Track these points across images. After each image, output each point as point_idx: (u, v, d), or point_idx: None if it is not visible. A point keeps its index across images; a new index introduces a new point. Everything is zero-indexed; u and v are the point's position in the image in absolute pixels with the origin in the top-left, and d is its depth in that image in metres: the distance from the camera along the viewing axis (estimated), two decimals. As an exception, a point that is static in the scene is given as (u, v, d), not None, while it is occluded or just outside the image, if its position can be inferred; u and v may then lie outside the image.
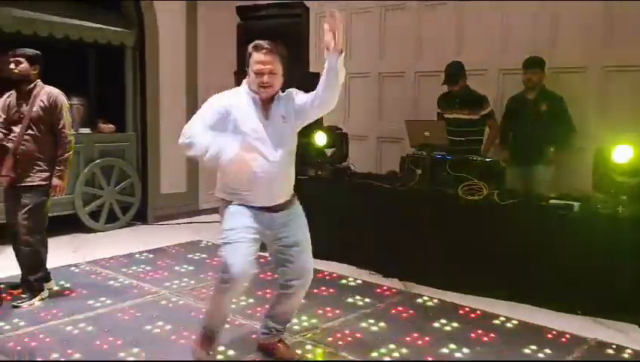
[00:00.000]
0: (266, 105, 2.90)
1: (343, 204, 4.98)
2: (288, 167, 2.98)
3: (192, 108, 6.94)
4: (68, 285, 4.28)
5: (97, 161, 6.07)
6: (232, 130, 2.85)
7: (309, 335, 3.49)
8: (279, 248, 2.98)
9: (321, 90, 2.81)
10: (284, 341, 3.22)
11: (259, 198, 2.89)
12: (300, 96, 2.92)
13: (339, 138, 5.40)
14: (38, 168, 3.87)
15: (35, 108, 3.86)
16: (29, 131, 3.85)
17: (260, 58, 2.81)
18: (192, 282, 4.46)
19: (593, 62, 5.16)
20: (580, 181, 4.78)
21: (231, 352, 3.23)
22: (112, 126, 6.31)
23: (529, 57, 4.99)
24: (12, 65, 3.88)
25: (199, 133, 2.83)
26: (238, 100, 2.90)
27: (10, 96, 3.96)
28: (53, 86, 4.01)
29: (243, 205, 2.90)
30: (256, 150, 2.84)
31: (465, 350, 3.31)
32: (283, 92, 2.96)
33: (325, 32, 2.67)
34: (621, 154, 3.87)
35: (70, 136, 3.96)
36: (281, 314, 3.16)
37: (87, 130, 6.09)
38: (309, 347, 3.33)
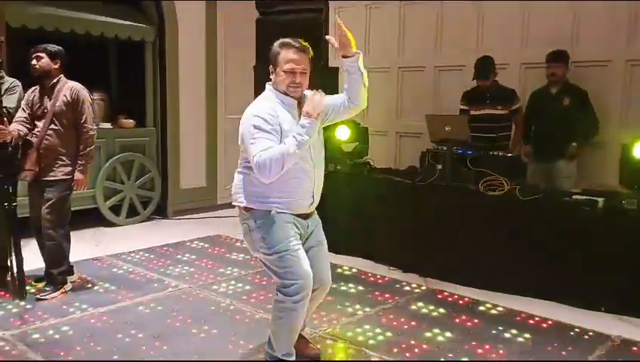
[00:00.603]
0: (298, 105, 2.77)
1: (362, 199, 4.96)
2: (323, 169, 2.91)
3: (211, 103, 7.00)
4: (90, 278, 4.34)
5: (118, 155, 6.12)
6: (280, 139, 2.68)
7: (328, 330, 3.49)
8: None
9: (351, 93, 2.79)
10: (304, 337, 3.22)
11: (300, 203, 2.78)
12: (330, 97, 2.83)
13: (362, 133, 5.37)
14: (61, 163, 3.92)
15: (57, 103, 3.91)
16: (52, 126, 3.90)
17: (291, 57, 2.70)
18: (212, 276, 4.49)
19: (617, 56, 5.07)
20: (604, 176, 4.72)
21: (251, 346, 3.24)
22: (132, 121, 6.36)
23: (553, 51, 4.91)
24: (33, 61, 3.92)
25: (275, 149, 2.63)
26: (274, 106, 2.73)
27: (35, 92, 4.00)
28: (76, 80, 4.05)
29: (283, 212, 2.75)
30: (303, 161, 2.74)
31: (486, 346, 3.28)
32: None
33: (338, 39, 2.66)
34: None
35: (92, 131, 4.00)
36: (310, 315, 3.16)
37: (108, 125, 6.15)
38: (329, 342, 3.33)
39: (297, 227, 2.79)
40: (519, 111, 5.17)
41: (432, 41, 6.24)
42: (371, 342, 3.33)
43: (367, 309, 3.84)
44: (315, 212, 2.94)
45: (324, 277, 2.92)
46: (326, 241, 2.97)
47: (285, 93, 2.75)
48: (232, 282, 4.35)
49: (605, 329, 3.55)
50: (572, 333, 3.50)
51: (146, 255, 5.03)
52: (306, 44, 2.77)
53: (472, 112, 5.18)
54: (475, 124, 4.93)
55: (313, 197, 2.82)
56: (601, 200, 3.93)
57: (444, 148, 4.67)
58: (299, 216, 2.79)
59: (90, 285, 4.21)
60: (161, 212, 6.61)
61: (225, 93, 7.10)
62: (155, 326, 3.49)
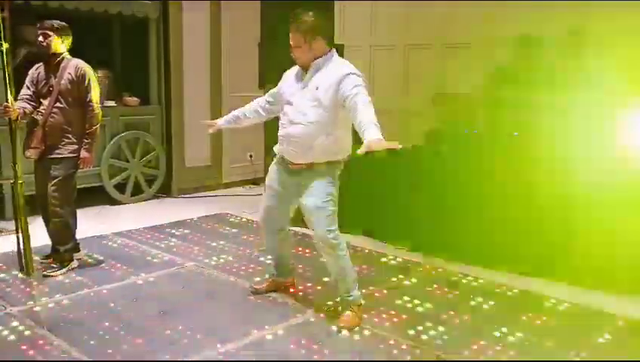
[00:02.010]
0: (303, 72, 3.22)
1: (367, 178, 4.95)
2: (315, 133, 3.11)
3: (215, 81, 6.95)
4: (97, 256, 4.36)
5: (123, 133, 6.11)
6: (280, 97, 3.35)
7: (332, 308, 3.50)
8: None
9: (351, 113, 2.99)
10: (347, 308, 3.28)
11: (285, 153, 3.27)
12: (345, 85, 3.01)
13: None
14: (66, 140, 3.91)
15: (63, 81, 3.88)
16: (58, 104, 3.88)
17: (290, 34, 3.15)
18: (217, 254, 4.51)
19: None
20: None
21: (257, 322, 3.27)
22: (136, 99, 6.33)
23: None
24: (40, 38, 3.88)
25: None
26: (292, 70, 3.33)
27: (39, 69, 3.98)
28: (80, 58, 4.02)
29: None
30: (286, 109, 3.24)
31: (503, 329, 3.28)
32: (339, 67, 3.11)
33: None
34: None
35: (97, 109, 3.98)
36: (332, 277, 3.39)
37: (112, 103, 6.13)
38: (334, 320, 3.34)
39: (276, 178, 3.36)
40: None
41: (438, 19, 6.15)
42: (379, 321, 3.34)
43: (378, 289, 3.84)
44: (314, 171, 3.18)
45: (316, 237, 3.26)
46: (314, 203, 3.17)
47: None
48: (236, 259, 4.37)
49: (611, 308, 3.54)
50: (578, 312, 3.50)
51: (152, 233, 5.05)
52: (299, 18, 3.10)
53: None
54: None
55: (290, 150, 3.21)
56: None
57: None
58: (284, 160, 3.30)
59: (96, 262, 4.24)
60: (166, 190, 6.62)
61: (229, 70, 7.05)
62: (161, 303, 3.52)
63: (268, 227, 3.53)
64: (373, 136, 2.81)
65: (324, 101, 3.09)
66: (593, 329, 3.27)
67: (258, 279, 3.89)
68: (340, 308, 3.36)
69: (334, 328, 3.22)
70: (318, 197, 3.17)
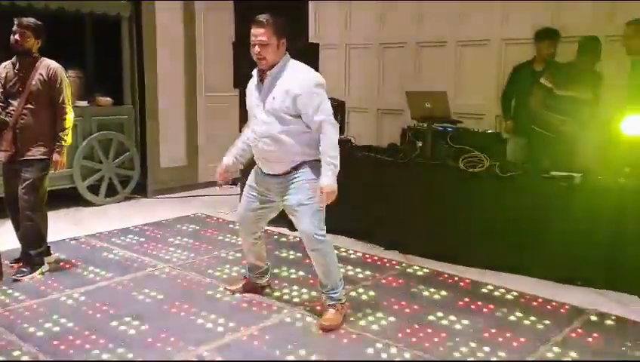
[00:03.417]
0: (262, 78, 3.13)
1: (342, 176, 4.92)
2: (285, 142, 3.08)
3: (190, 80, 6.88)
4: (68, 259, 4.28)
5: (95, 134, 6.02)
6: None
7: (309, 308, 3.49)
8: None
9: (317, 139, 3.06)
10: (330, 306, 3.25)
11: (262, 168, 3.25)
12: (306, 107, 3.01)
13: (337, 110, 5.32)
14: (37, 142, 3.82)
15: (34, 82, 3.79)
16: (28, 105, 3.79)
17: (253, 32, 3.02)
18: (192, 255, 4.46)
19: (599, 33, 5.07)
20: (583, 154, 4.74)
21: (231, 324, 3.23)
22: (109, 99, 6.23)
23: (541, 28, 4.89)
24: (16, 36, 3.77)
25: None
26: (251, 82, 3.24)
27: (7, 68, 3.88)
28: (51, 57, 3.93)
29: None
30: (252, 120, 3.23)
31: (464, 321, 3.32)
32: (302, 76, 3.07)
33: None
34: (631, 125, 3.82)
35: (70, 111, 3.90)
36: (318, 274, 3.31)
37: (84, 103, 6.03)
38: (309, 319, 3.34)
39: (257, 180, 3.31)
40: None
41: (413, 17, 6.19)
42: (352, 321, 3.34)
43: (349, 287, 3.84)
44: (296, 173, 3.14)
45: (303, 237, 3.23)
46: (300, 201, 3.13)
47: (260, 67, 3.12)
48: (212, 261, 4.33)
49: (582, 303, 3.60)
50: (549, 307, 3.55)
51: (125, 235, 4.98)
52: (270, 17, 3.00)
53: (559, 93, 4.65)
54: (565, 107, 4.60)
55: (264, 162, 3.21)
56: (578, 175, 3.97)
57: (425, 125, 4.66)
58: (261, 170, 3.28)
59: (67, 266, 4.16)
60: (141, 191, 6.54)
61: (204, 70, 6.99)
62: (133, 306, 3.47)
63: (244, 227, 3.48)
64: (323, 183, 3.01)
65: (286, 111, 3.05)
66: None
67: (234, 281, 3.87)
68: (318, 308, 3.35)
69: (311, 328, 3.22)
70: (303, 194, 3.12)
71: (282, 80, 3.06)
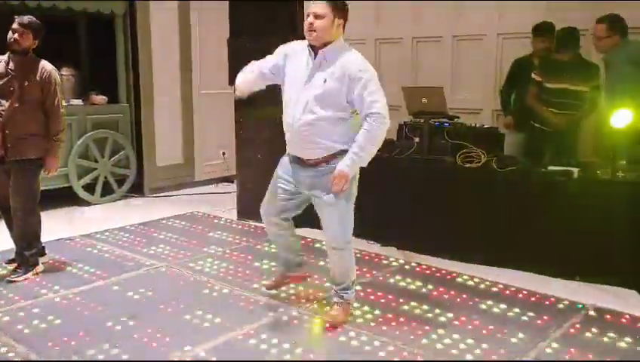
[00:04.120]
0: (314, 54, 2.99)
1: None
2: (325, 126, 2.95)
3: (186, 78, 6.84)
4: (63, 259, 4.25)
5: (90, 133, 5.98)
6: (283, 73, 3.11)
7: (305, 306, 3.47)
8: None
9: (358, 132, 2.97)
10: (338, 304, 3.22)
11: (291, 146, 3.12)
12: (359, 94, 2.91)
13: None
14: (29, 143, 3.77)
15: (26, 83, 3.75)
16: (19, 105, 3.74)
17: (312, 4, 2.96)
18: (189, 254, 4.43)
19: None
20: (580, 146, 4.73)
21: (229, 324, 3.21)
22: (104, 97, 6.19)
23: (539, 22, 4.86)
24: (15, 35, 3.71)
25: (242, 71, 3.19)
26: (298, 47, 3.08)
27: (-1, 66, 3.83)
28: (45, 56, 3.89)
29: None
30: (289, 99, 3.05)
31: (462, 318, 3.30)
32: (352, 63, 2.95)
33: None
34: (620, 119, 3.79)
35: (64, 113, 3.86)
36: (331, 272, 3.29)
37: (79, 102, 5.99)
38: (305, 318, 3.31)
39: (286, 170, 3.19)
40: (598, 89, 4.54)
41: (409, 12, 6.15)
42: (349, 317, 3.31)
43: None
44: (329, 167, 3.02)
45: (326, 234, 3.18)
46: (331, 199, 3.04)
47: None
48: (209, 260, 4.30)
49: (580, 297, 3.58)
50: (547, 302, 3.53)
51: (121, 234, 4.95)
52: None
53: (549, 85, 4.66)
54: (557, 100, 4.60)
55: (299, 143, 3.06)
56: (576, 170, 3.95)
57: (421, 120, 4.63)
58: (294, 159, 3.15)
59: (63, 266, 4.13)
60: (137, 190, 6.51)
61: (200, 67, 6.95)
62: (129, 306, 3.44)
63: (268, 219, 3.32)
64: (340, 166, 2.95)
65: (333, 95, 2.93)
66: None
67: (232, 279, 3.85)
68: (315, 305, 3.35)
69: (307, 327, 3.19)
70: (333, 192, 3.00)
71: (338, 63, 2.93)
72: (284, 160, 3.24)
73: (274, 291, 3.64)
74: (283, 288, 3.69)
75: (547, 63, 4.68)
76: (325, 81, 2.94)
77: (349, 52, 3.00)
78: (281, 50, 3.15)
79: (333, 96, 2.94)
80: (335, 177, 2.94)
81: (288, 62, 3.10)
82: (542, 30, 4.85)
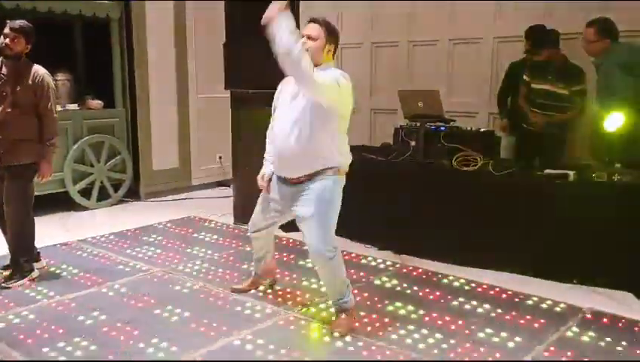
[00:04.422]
0: None
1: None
2: (307, 140, 3.00)
3: (182, 82, 6.83)
4: (59, 264, 4.23)
5: (86, 137, 5.96)
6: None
7: (303, 310, 3.46)
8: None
9: (338, 144, 3.13)
10: (340, 312, 3.22)
11: (279, 172, 3.20)
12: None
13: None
14: (22, 148, 3.75)
15: (19, 87, 3.73)
16: (12, 110, 3.72)
17: (306, 27, 3.07)
18: (185, 259, 4.42)
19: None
20: (576, 149, 4.74)
21: (224, 328, 3.20)
22: (100, 102, 6.18)
23: (531, 26, 4.88)
24: (8, 41, 3.69)
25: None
26: (288, 79, 3.12)
27: (-9, 72, 3.81)
28: (39, 61, 3.87)
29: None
30: (276, 120, 3.20)
31: (459, 321, 3.29)
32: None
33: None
34: (613, 122, 3.81)
35: (56, 118, 3.85)
36: (324, 288, 3.36)
37: (74, 107, 5.98)
38: (302, 323, 3.30)
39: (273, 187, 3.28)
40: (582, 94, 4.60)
41: (405, 16, 6.16)
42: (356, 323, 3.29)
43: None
44: (314, 181, 3.08)
45: (310, 249, 3.15)
46: (309, 212, 3.08)
47: None
48: (205, 264, 4.29)
49: (577, 300, 3.58)
50: (544, 305, 3.53)
51: (117, 239, 4.93)
52: (324, 18, 3.11)
53: (533, 85, 4.75)
54: (539, 100, 4.69)
55: (286, 162, 3.13)
56: (572, 173, 3.96)
57: (417, 124, 4.64)
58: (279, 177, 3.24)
59: (58, 271, 4.11)
60: (133, 194, 6.49)
61: (196, 71, 6.94)
62: (125, 312, 3.42)
63: (255, 233, 3.50)
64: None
65: (314, 109, 2.98)
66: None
67: (229, 283, 3.84)
68: (313, 309, 3.38)
69: (304, 332, 3.18)
70: (313, 207, 3.06)
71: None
72: (273, 179, 3.31)
73: (271, 296, 3.64)
74: (279, 293, 3.70)
75: (534, 65, 4.74)
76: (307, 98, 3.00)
77: (336, 70, 3.07)
78: (276, 93, 3.28)
79: (316, 109, 2.98)
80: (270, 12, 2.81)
81: (280, 94, 3.23)
82: (526, 34, 4.91)
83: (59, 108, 3.89)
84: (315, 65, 2.95)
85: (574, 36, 4.80)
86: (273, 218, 3.38)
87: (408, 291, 3.78)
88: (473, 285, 3.86)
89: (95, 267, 4.21)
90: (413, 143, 4.63)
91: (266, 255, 3.65)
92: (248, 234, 3.56)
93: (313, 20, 3.09)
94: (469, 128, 4.71)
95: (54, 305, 3.53)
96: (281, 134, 3.11)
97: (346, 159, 3.17)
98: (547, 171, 4.08)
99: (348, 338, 3.08)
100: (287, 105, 3.11)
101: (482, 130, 4.83)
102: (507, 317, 3.37)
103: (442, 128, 4.59)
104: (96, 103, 6.16)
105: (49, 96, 3.79)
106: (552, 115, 4.63)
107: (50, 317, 3.35)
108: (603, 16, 4.28)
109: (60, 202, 5.78)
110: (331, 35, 3.08)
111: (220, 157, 7.16)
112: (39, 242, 4.04)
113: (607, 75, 4.12)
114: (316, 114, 2.99)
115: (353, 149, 4.99)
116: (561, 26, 5.07)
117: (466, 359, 2.89)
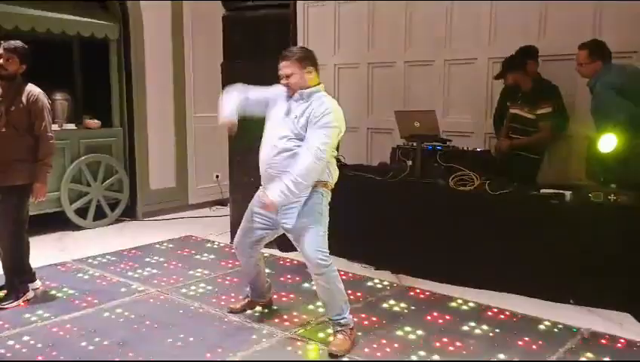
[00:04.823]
0: (290, 98, 3.20)
1: (333, 195, 4.90)
2: (294, 157, 3.07)
3: (179, 101, 6.86)
4: (54, 285, 4.20)
5: (83, 157, 5.97)
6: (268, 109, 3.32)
7: (300, 331, 3.44)
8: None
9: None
10: (338, 332, 3.22)
11: (266, 180, 3.22)
12: (312, 124, 3.08)
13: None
14: (17, 168, 3.74)
15: (13, 107, 3.73)
16: (7, 130, 3.71)
17: (280, 65, 3.18)
18: (182, 279, 4.40)
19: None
20: (572, 169, 4.75)
21: (220, 349, 3.17)
22: (97, 121, 6.19)
23: (522, 47, 4.93)
24: (2, 61, 3.70)
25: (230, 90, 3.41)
26: (284, 91, 3.24)
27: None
28: (38, 81, 3.89)
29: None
30: (268, 133, 3.25)
31: (457, 343, 3.27)
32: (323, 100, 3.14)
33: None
34: (606, 143, 3.83)
35: (52, 139, 3.85)
36: (321, 302, 3.38)
37: (72, 126, 5.99)
38: (299, 343, 3.28)
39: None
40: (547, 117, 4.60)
41: (401, 36, 6.21)
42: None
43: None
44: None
45: (307, 261, 3.22)
46: (301, 224, 3.17)
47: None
48: (202, 284, 4.27)
49: (575, 321, 3.57)
50: (542, 327, 3.51)
51: (114, 259, 4.91)
52: (290, 50, 3.22)
53: (510, 110, 4.84)
54: (509, 124, 4.79)
55: (270, 178, 3.18)
56: (568, 193, 3.97)
57: (414, 144, 4.66)
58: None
59: (54, 292, 4.08)
60: (130, 213, 6.47)
61: (193, 91, 6.98)
62: (121, 333, 3.40)
63: (243, 251, 3.50)
64: (269, 193, 3.07)
65: (300, 131, 3.10)
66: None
67: (226, 304, 3.82)
68: (309, 328, 3.35)
69: (300, 353, 3.16)
70: (303, 217, 3.14)
71: (306, 104, 3.12)
72: (257, 192, 3.38)
73: (267, 317, 3.61)
74: (276, 313, 3.68)
75: (509, 89, 4.91)
76: (296, 117, 3.12)
77: (319, 97, 3.15)
78: (279, 90, 3.28)
79: (300, 131, 3.10)
80: (266, 205, 3.10)
81: (275, 107, 3.27)
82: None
83: (56, 127, 3.87)
84: (303, 88, 3.14)
85: (569, 57, 4.87)
86: (260, 234, 3.39)
87: (406, 311, 3.76)
88: (470, 304, 3.85)
89: (91, 287, 4.19)
90: (409, 163, 4.64)
91: (257, 277, 3.63)
92: (233, 250, 3.59)
93: (283, 58, 3.18)
94: (465, 148, 4.73)
95: (49, 326, 3.50)
96: (268, 149, 3.20)
97: (333, 174, 3.27)
98: (543, 191, 4.10)
99: (345, 359, 3.06)
100: (280, 120, 3.19)
101: (478, 149, 4.85)
102: (505, 338, 3.35)
103: (439, 148, 4.61)
104: (94, 123, 6.17)
105: (44, 116, 3.79)
106: (517, 137, 4.71)
107: (44, 339, 3.31)
108: (595, 38, 4.33)
109: (56, 221, 5.77)
110: (304, 60, 3.16)
111: (217, 176, 7.16)
112: (35, 262, 4.02)
113: (600, 97, 4.15)
114: (304, 136, 3.11)
115: (350, 168, 5.12)
116: (552, 47, 5.13)
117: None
